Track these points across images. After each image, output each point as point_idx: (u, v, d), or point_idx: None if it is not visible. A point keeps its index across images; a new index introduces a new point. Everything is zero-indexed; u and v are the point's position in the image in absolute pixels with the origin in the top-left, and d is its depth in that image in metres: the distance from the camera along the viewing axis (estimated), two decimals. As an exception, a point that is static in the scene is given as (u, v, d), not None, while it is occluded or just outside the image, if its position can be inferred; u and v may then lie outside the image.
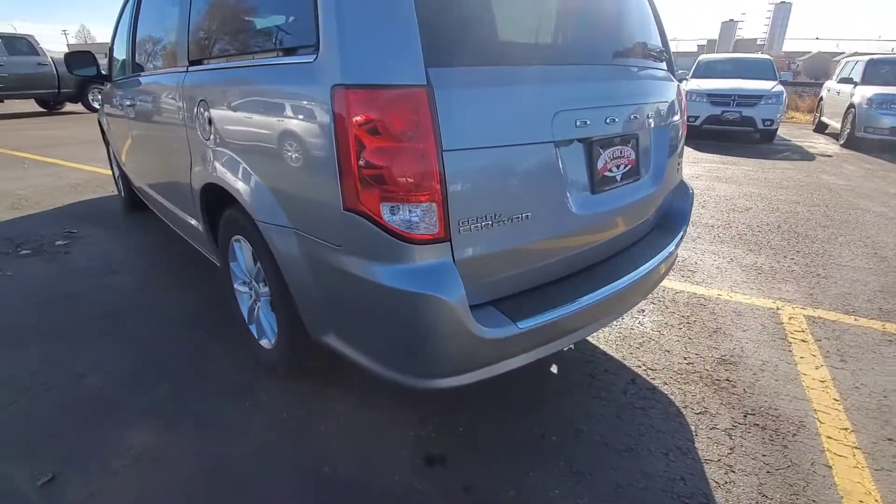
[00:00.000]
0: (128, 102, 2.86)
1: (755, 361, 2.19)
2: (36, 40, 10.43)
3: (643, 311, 2.63)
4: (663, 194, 1.98)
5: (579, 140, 1.48)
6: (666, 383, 2.03)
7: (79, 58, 3.29)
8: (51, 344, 2.25)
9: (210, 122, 1.77)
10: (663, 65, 2.01)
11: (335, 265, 1.32)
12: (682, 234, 2.09)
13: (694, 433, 1.76)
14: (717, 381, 2.04)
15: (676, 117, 2.03)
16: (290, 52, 1.39)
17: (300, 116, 1.31)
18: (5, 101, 10.56)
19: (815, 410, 1.88)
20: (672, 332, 2.42)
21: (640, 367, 2.14)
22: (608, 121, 1.53)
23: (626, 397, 1.94)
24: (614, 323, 2.48)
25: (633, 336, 2.38)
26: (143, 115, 2.65)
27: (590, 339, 2.34)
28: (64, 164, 6.30)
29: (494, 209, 1.28)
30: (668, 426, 1.79)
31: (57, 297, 2.69)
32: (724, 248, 3.62)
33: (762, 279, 3.07)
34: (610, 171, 1.63)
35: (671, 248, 1.98)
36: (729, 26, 45.87)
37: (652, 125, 1.79)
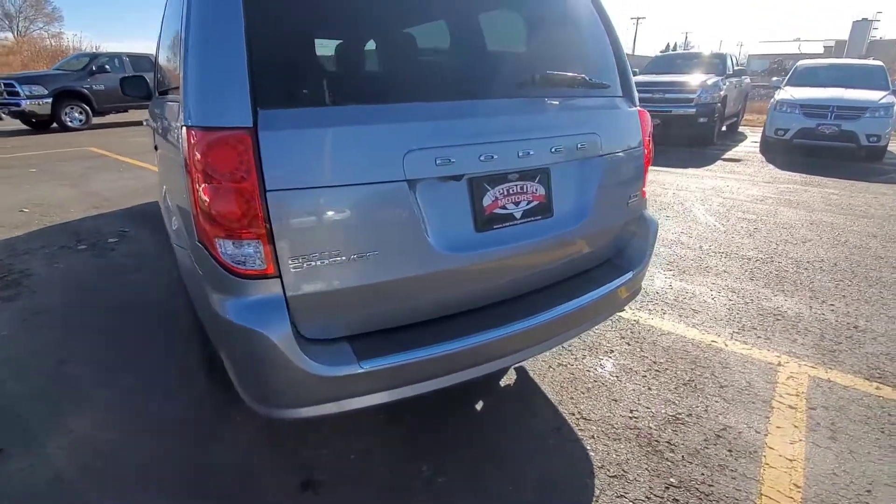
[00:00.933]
0: (153, 118, 3.22)
1: (715, 425, 1.91)
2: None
3: (611, 351, 2.42)
4: (597, 230, 1.81)
5: (452, 178, 1.41)
6: (593, 437, 1.85)
7: (132, 81, 3.74)
8: (56, 332, 2.60)
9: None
10: (605, 91, 1.84)
11: (201, 287, 1.40)
12: (630, 275, 1.90)
13: (594, 499, 1.59)
14: (654, 443, 1.82)
15: (622, 147, 1.84)
16: (176, 90, 1.50)
17: (177, 151, 1.41)
18: (129, 110, 12.32)
19: (760, 496, 1.61)
20: (632, 380, 2.20)
21: (573, 414, 1.97)
22: (495, 157, 1.44)
23: (541, 446, 1.81)
24: (569, 362, 2.31)
25: (584, 379, 2.20)
26: (158, 133, 2.97)
27: (535, 376, 2.21)
28: (152, 168, 7.22)
29: (332, 247, 1.27)
30: (571, 485, 1.64)
31: (84, 287, 3.11)
32: (750, 285, 3.19)
33: (778, 327, 2.67)
34: (503, 208, 1.53)
35: (608, 288, 1.81)
36: (861, 26, 39.53)
37: (572, 158, 1.65)
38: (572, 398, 2.07)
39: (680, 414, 1.97)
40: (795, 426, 1.91)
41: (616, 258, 2.03)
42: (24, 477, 1.65)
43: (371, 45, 1.49)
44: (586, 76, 1.70)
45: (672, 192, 5.74)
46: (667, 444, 1.81)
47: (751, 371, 2.26)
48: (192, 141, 1.21)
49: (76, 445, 1.80)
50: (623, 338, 2.54)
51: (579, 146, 1.64)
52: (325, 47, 1.35)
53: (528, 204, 1.59)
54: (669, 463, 1.73)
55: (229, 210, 1.19)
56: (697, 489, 1.62)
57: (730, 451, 1.79)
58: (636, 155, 1.92)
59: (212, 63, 1.19)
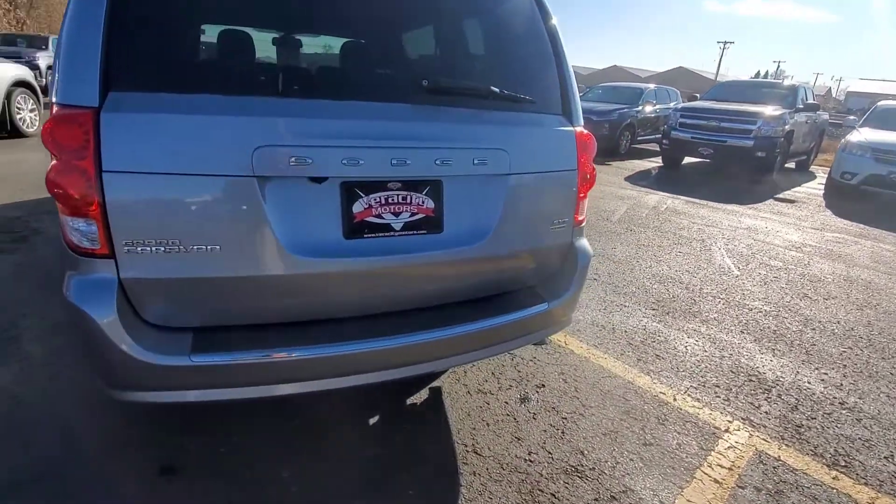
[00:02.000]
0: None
1: (616, 486, 1.72)
2: None
3: (542, 386, 2.25)
4: (504, 254, 1.68)
5: (313, 179, 1.35)
6: (475, 474, 1.72)
7: None
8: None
9: None
10: (529, 106, 1.70)
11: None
12: (545, 306, 1.76)
13: (440, 541, 1.47)
14: (536, 492, 1.66)
15: (544, 168, 1.70)
16: None
17: None
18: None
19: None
20: (548, 420, 2.03)
21: (465, 446, 1.84)
22: (361, 162, 1.36)
23: (418, 472, 1.70)
24: (491, 389, 2.17)
25: (497, 411, 2.06)
26: None
27: (447, 397, 2.10)
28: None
29: (171, 236, 1.25)
30: (423, 522, 1.53)
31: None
32: (736, 339, 2.87)
33: (746, 389, 2.37)
34: (379, 217, 1.46)
35: (513, 317, 1.69)
36: None
37: (470, 173, 1.54)
38: (474, 429, 1.94)
39: (583, 466, 1.80)
40: (709, 502, 1.68)
41: (539, 287, 1.88)
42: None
43: (235, 35, 1.46)
44: (501, 88, 1.58)
45: (699, 226, 5.33)
46: (549, 497, 1.65)
47: (688, 433, 2.02)
48: (51, 116, 1.24)
49: None
50: (562, 374, 2.36)
51: (478, 161, 1.53)
52: (191, 34, 1.34)
53: (411, 216, 1.50)
54: (543, 518, 1.57)
55: (67, 185, 1.20)
56: (559, 553, 1.46)
57: (618, 517, 1.60)
58: (565, 178, 1.77)
59: (74, 46, 1.21)
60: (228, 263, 1.32)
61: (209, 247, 1.29)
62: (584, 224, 1.93)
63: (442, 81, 1.53)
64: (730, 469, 1.84)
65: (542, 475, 1.74)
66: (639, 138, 11.20)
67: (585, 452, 1.87)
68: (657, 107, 11.42)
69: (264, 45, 1.55)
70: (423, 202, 1.51)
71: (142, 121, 1.21)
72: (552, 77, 1.79)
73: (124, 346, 1.25)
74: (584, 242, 1.92)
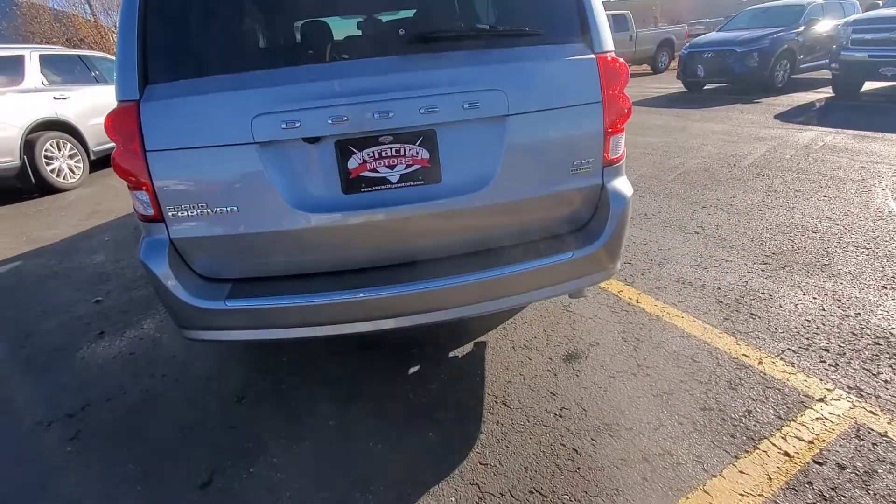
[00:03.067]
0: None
1: (652, 447, 1.57)
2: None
3: (596, 344, 2.11)
4: (514, 200, 1.61)
5: (308, 140, 1.46)
6: (498, 423, 1.72)
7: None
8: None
9: None
10: (533, 39, 1.55)
11: None
12: (569, 255, 1.65)
13: (449, 476, 1.52)
14: (558, 448, 1.60)
15: (553, 105, 1.55)
16: None
17: None
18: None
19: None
20: (593, 378, 1.91)
21: (496, 397, 1.85)
22: (346, 119, 1.42)
23: (433, 422, 1.77)
24: (538, 346, 2.11)
25: (538, 366, 2.00)
26: None
27: (490, 352, 2.10)
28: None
29: (199, 200, 1.49)
30: (426, 462, 1.60)
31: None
32: (872, 295, 2.29)
33: (867, 355, 1.90)
34: (375, 171, 1.51)
35: (532, 265, 1.63)
36: None
37: (463, 119, 1.50)
38: (509, 381, 1.93)
39: (618, 425, 1.67)
40: (765, 480, 1.43)
41: (568, 235, 1.77)
42: (100, 350, 2.40)
43: (233, 19, 1.61)
44: (493, 25, 1.49)
45: (862, 164, 4.26)
46: (571, 451, 1.58)
47: (766, 399, 1.72)
48: (113, 111, 1.56)
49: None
50: (624, 332, 2.18)
51: (468, 105, 1.48)
52: (197, 26, 1.53)
53: (406, 168, 1.53)
54: (556, 471, 1.52)
55: (127, 166, 1.51)
56: (566, 505, 1.41)
57: (644, 479, 1.47)
58: (586, 113, 1.61)
59: (121, 51, 1.50)
60: (246, 222, 1.52)
61: (229, 208, 1.51)
62: (620, 163, 1.74)
63: (420, 29, 1.51)
64: (810, 442, 1.54)
65: (568, 430, 1.67)
66: (802, 66, 9.19)
67: (626, 412, 1.73)
68: (827, 24, 9.19)
69: (258, 20, 1.70)
70: (417, 153, 1.53)
71: (167, 106, 1.46)
72: (568, 4, 1.62)
73: (176, 292, 1.55)
74: (618, 184, 1.73)
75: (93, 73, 7.13)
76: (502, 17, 1.55)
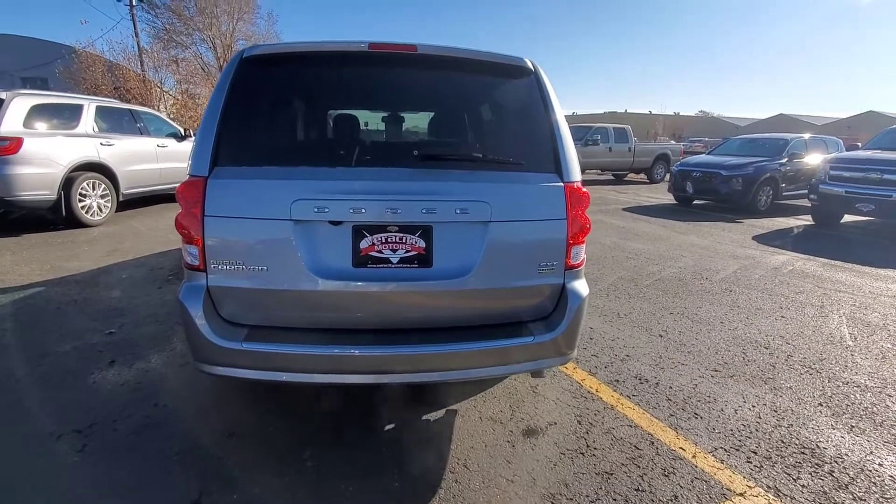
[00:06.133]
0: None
1: (586, 517, 1.79)
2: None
3: (553, 423, 2.36)
4: (490, 289, 1.98)
5: (331, 222, 1.87)
6: (457, 481, 1.95)
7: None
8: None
9: None
10: (514, 166, 2.03)
11: None
12: (530, 339, 1.99)
13: (405, 524, 1.73)
14: (505, 507, 1.83)
15: (527, 217, 1.98)
16: None
17: None
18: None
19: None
20: (544, 453, 2.15)
21: (458, 459, 2.08)
22: (364, 211, 1.84)
23: (400, 473, 2.00)
24: (498, 418, 2.37)
25: (500, 438, 2.25)
26: None
27: (458, 420, 2.35)
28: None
29: (237, 258, 1.87)
30: (398, 508, 1.81)
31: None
32: (807, 410, 2.57)
33: (790, 461, 2.16)
34: (380, 252, 1.91)
35: (495, 344, 1.96)
36: None
37: (455, 220, 1.91)
38: (472, 447, 2.17)
39: (560, 496, 1.90)
40: (684, 555, 1.65)
41: (532, 322, 2.11)
42: (110, 376, 2.65)
43: (285, 123, 2.10)
44: (486, 154, 1.95)
45: (825, 291, 4.68)
46: (515, 513, 1.80)
47: (691, 488, 1.96)
48: (184, 181, 1.99)
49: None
50: (580, 416, 2.44)
51: (460, 211, 1.91)
52: (261, 126, 2.02)
53: (405, 252, 1.92)
54: (503, 528, 1.74)
55: (187, 224, 1.90)
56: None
57: (575, 543, 1.68)
58: (553, 227, 2.03)
59: (200, 137, 1.96)
60: (271, 279, 1.89)
61: (260, 267, 1.88)
62: (580, 268, 2.13)
63: (431, 151, 1.98)
64: (724, 530, 1.76)
65: (517, 494, 1.90)
66: (784, 194, 10.02)
67: (570, 485, 1.96)
68: (811, 158, 10.17)
69: (304, 129, 2.21)
70: (415, 242, 1.93)
71: (228, 184, 1.88)
72: (546, 143, 2.11)
73: (203, 331, 1.87)
74: (577, 284, 2.11)
75: (138, 125, 7.88)
76: (493, 146, 2.02)
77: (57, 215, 6.31)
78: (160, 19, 26.19)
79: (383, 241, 1.91)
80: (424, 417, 2.38)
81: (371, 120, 2.59)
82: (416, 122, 2.36)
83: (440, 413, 2.42)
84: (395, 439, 2.22)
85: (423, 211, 1.89)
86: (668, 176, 16.22)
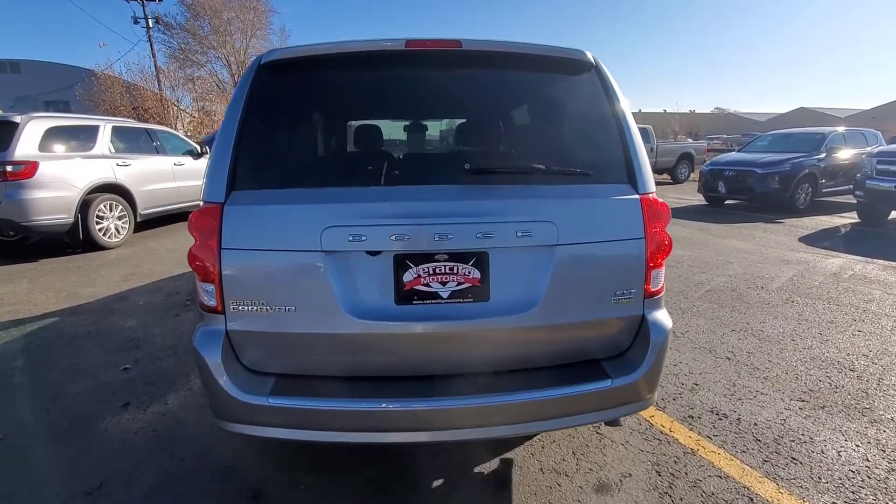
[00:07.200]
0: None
1: None
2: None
3: (628, 475, 2.02)
4: (557, 324, 1.66)
5: (369, 252, 1.57)
6: (526, 559, 1.62)
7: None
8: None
9: None
10: (582, 179, 1.70)
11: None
12: (609, 383, 1.66)
13: None
14: None
15: (599, 238, 1.66)
16: None
17: None
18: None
19: None
20: (625, 514, 1.81)
21: None
22: (408, 238, 1.53)
23: None
24: (568, 469, 2.03)
25: (567, 495, 1.91)
26: None
27: (517, 471, 2.03)
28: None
29: (261, 297, 1.58)
30: None
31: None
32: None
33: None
34: (427, 285, 1.60)
35: (569, 391, 1.63)
36: None
37: (514, 246, 1.60)
38: (536, 509, 1.84)
39: (655, 576, 1.56)
40: None
41: (606, 361, 1.78)
42: (123, 423, 2.39)
43: (316, 138, 1.81)
44: (548, 165, 1.64)
45: (897, 299, 4.23)
46: None
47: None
48: (197, 209, 1.71)
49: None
50: (657, 464, 2.09)
51: (521, 233, 1.59)
52: (285, 142, 1.73)
53: (457, 285, 1.61)
54: None
55: (202, 259, 1.63)
56: None
57: None
58: (629, 247, 1.70)
59: (215, 158, 1.69)
60: (300, 322, 1.59)
61: (287, 307, 1.59)
62: (660, 295, 1.80)
63: (483, 164, 1.67)
64: None
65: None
66: (824, 190, 9.48)
67: (663, 561, 1.62)
68: (849, 152, 9.63)
69: (335, 141, 1.91)
70: (469, 272, 1.62)
71: (249, 211, 1.60)
72: (615, 149, 1.79)
73: (223, 383, 1.59)
74: (659, 315, 1.78)
75: (154, 144, 7.77)
76: (554, 155, 1.72)
77: (74, 239, 6.18)
78: (176, 39, 26.69)
79: (431, 272, 1.61)
80: (477, 470, 2.06)
81: (410, 130, 2.31)
82: (463, 130, 2.05)
83: (494, 463, 2.09)
84: (444, 500, 1.90)
85: (478, 235, 1.58)
86: (692, 175, 15.69)
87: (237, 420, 1.64)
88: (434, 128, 2.03)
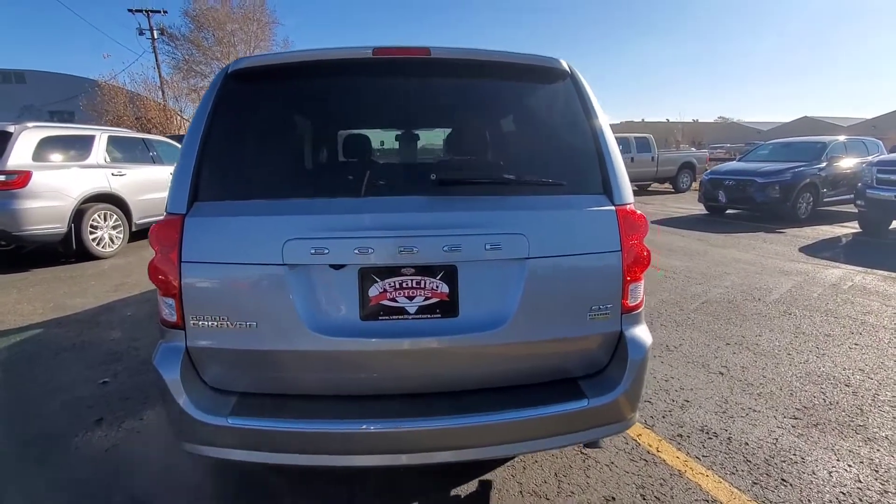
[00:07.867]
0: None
1: None
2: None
3: (611, 499, 1.93)
4: (531, 340, 1.59)
5: (332, 266, 1.52)
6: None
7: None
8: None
9: None
10: (554, 189, 1.64)
11: None
12: (584, 403, 1.58)
13: None
14: None
15: (573, 251, 1.60)
16: None
17: None
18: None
19: None
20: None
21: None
22: (371, 251, 1.48)
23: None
24: (543, 492, 1.95)
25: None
26: None
27: (493, 496, 1.95)
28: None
29: (221, 312, 1.52)
30: None
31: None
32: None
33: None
34: (394, 300, 1.54)
35: (544, 412, 1.56)
36: None
37: (483, 259, 1.54)
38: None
39: None
40: None
41: (583, 380, 1.71)
42: (93, 440, 2.32)
43: (281, 150, 1.76)
44: (519, 175, 1.58)
45: (895, 310, 4.13)
46: None
47: None
48: (158, 221, 1.66)
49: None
50: (642, 487, 2.01)
51: (490, 246, 1.53)
52: (250, 153, 1.68)
53: (425, 300, 1.55)
54: None
55: (162, 273, 1.57)
56: None
57: None
58: (605, 261, 1.64)
59: (179, 168, 1.64)
60: (262, 338, 1.53)
61: (248, 323, 1.53)
62: (639, 310, 1.73)
63: (451, 174, 1.62)
64: None
65: None
66: (825, 200, 9.39)
67: (642, 592, 1.53)
68: (850, 161, 9.55)
69: (300, 153, 1.86)
70: (437, 287, 1.56)
71: (209, 222, 1.55)
72: (590, 159, 1.74)
73: (182, 402, 1.53)
74: (638, 331, 1.70)
75: (151, 154, 7.77)
76: (527, 165, 1.66)
77: (68, 249, 6.16)
78: (180, 50, 26.98)
79: (397, 286, 1.55)
80: (454, 492, 1.98)
81: (378, 140, 2.27)
82: (433, 139, 2.01)
83: (472, 485, 2.01)
84: (419, 524, 1.82)
85: (445, 248, 1.52)
86: (693, 185, 15.63)
87: (197, 441, 1.58)
88: (402, 138, 1.97)
